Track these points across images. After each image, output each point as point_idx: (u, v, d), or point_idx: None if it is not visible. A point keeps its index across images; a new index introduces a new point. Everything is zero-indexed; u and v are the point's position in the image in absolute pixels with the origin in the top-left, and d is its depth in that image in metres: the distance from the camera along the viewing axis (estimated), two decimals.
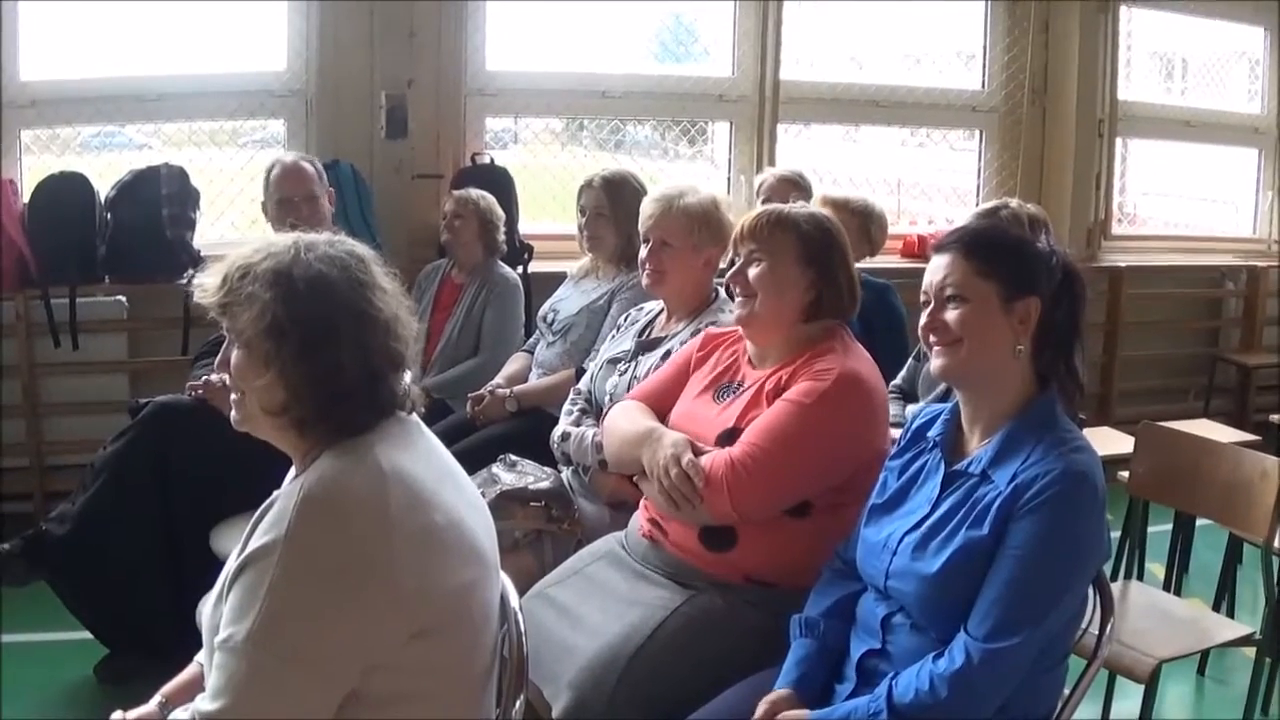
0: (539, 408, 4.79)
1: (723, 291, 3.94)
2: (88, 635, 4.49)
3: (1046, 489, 2.46)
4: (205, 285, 2.24)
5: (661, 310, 4.13)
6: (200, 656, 2.51)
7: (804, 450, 3.00)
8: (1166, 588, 4.82)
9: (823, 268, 3.21)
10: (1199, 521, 4.91)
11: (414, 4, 6.51)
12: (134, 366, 6.24)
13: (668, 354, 3.84)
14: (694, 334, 3.81)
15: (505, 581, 2.51)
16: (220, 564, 3.98)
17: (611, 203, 4.86)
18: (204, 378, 4.32)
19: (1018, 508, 2.48)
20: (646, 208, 4.05)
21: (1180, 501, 4.54)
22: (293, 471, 2.37)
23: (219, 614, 2.16)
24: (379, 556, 2.10)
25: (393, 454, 2.20)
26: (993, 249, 2.63)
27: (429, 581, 2.16)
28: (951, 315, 2.61)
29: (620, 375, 3.95)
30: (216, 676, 2.08)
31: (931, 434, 2.78)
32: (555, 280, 5.38)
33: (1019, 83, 8.14)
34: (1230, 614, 4.82)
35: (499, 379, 5.04)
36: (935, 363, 2.67)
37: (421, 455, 2.30)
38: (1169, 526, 5.00)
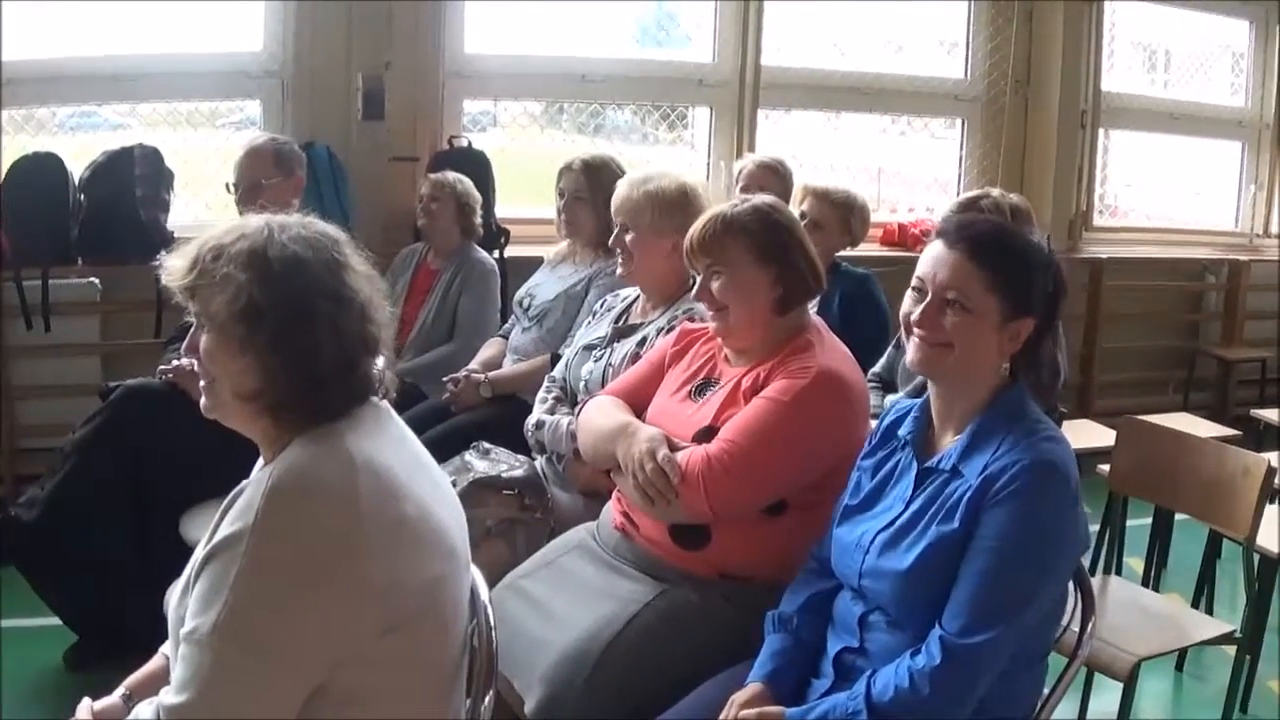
0: (514, 394, 4.75)
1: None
2: (57, 621, 4.44)
3: (1016, 479, 2.43)
4: (173, 267, 2.18)
5: (638, 297, 4.08)
6: (166, 648, 2.46)
7: (782, 448, 2.96)
8: (1145, 583, 4.79)
9: (781, 261, 3.16)
10: (1178, 516, 4.88)
11: None
12: (106, 349, 6.17)
13: (643, 341, 3.81)
14: (670, 320, 3.79)
15: (475, 575, 2.47)
16: (191, 551, 3.96)
17: (591, 187, 4.82)
18: (174, 362, 4.27)
19: (988, 499, 2.44)
20: (616, 191, 4.05)
21: (1161, 497, 4.51)
22: (261, 460, 2.32)
23: (185, 605, 2.11)
24: (348, 548, 2.05)
25: (364, 443, 2.15)
26: (1005, 263, 2.55)
27: (399, 575, 2.11)
28: (949, 321, 2.54)
29: (595, 362, 3.91)
30: (181, 669, 2.03)
31: (902, 432, 2.74)
32: (532, 265, 5.35)
33: (1002, 72, 8.10)
34: (1209, 610, 4.81)
35: (474, 364, 5.00)
36: (914, 355, 2.62)
37: (393, 444, 2.25)
38: (1148, 521, 4.96)
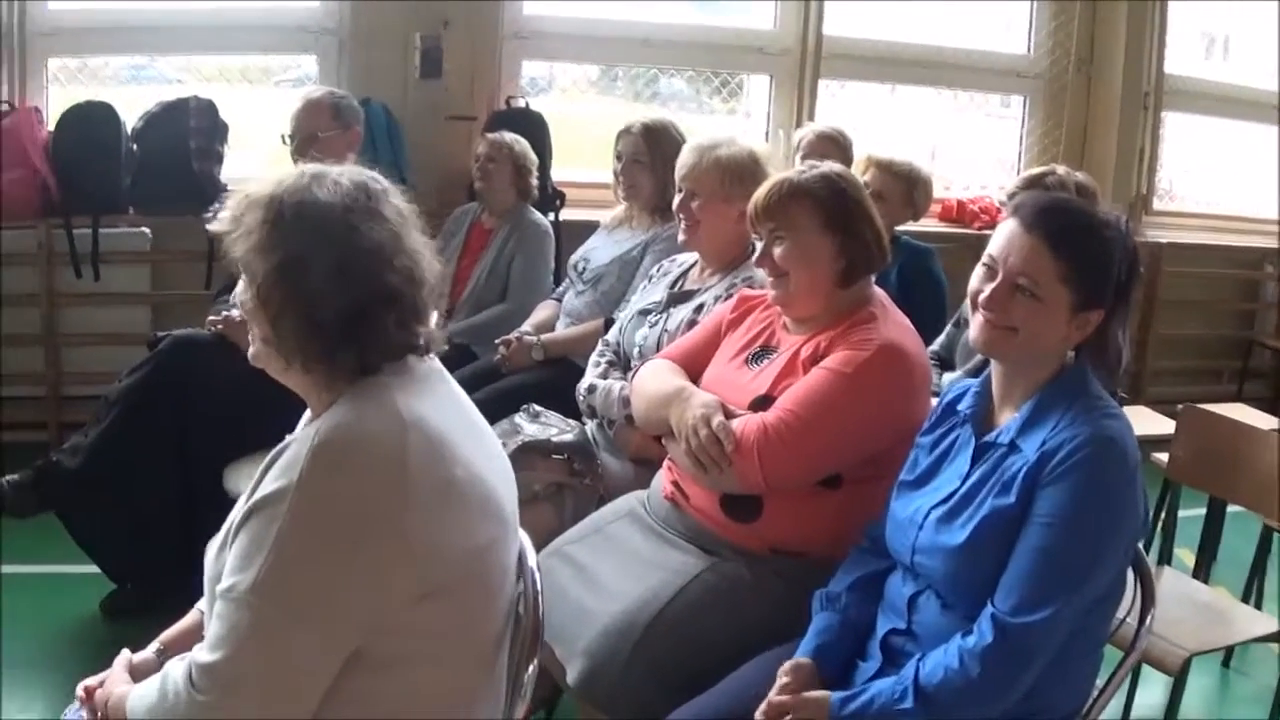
0: (565, 357, 4.74)
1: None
2: (96, 569, 4.44)
3: (1074, 454, 2.36)
4: (222, 216, 2.15)
5: (695, 262, 4.03)
6: (201, 603, 2.43)
7: (840, 421, 2.89)
8: (1196, 574, 4.70)
9: (847, 230, 3.08)
10: (1230, 508, 4.79)
11: None
12: (155, 299, 6.19)
13: (700, 307, 3.76)
14: (728, 288, 3.73)
15: (524, 540, 2.42)
16: (233, 503, 3.95)
17: (650, 150, 4.78)
18: (224, 313, 4.26)
19: (1045, 475, 2.38)
20: (682, 156, 3.97)
21: (1217, 488, 4.41)
22: (308, 415, 2.29)
23: (223, 560, 2.07)
24: (394, 510, 2.01)
25: (414, 402, 2.11)
26: (1082, 255, 2.46)
27: (445, 539, 2.07)
28: (1017, 306, 2.47)
29: (650, 327, 3.86)
30: (217, 626, 2.00)
31: (962, 408, 2.68)
32: (585, 229, 5.32)
33: (1065, 50, 8.00)
34: (1258, 605, 4.72)
35: (526, 326, 4.97)
36: (978, 334, 2.55)
37: (444, 404, 2.21)
38: (1200, 511, 4.88)
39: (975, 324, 2.56)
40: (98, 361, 5.86)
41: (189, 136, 5.90)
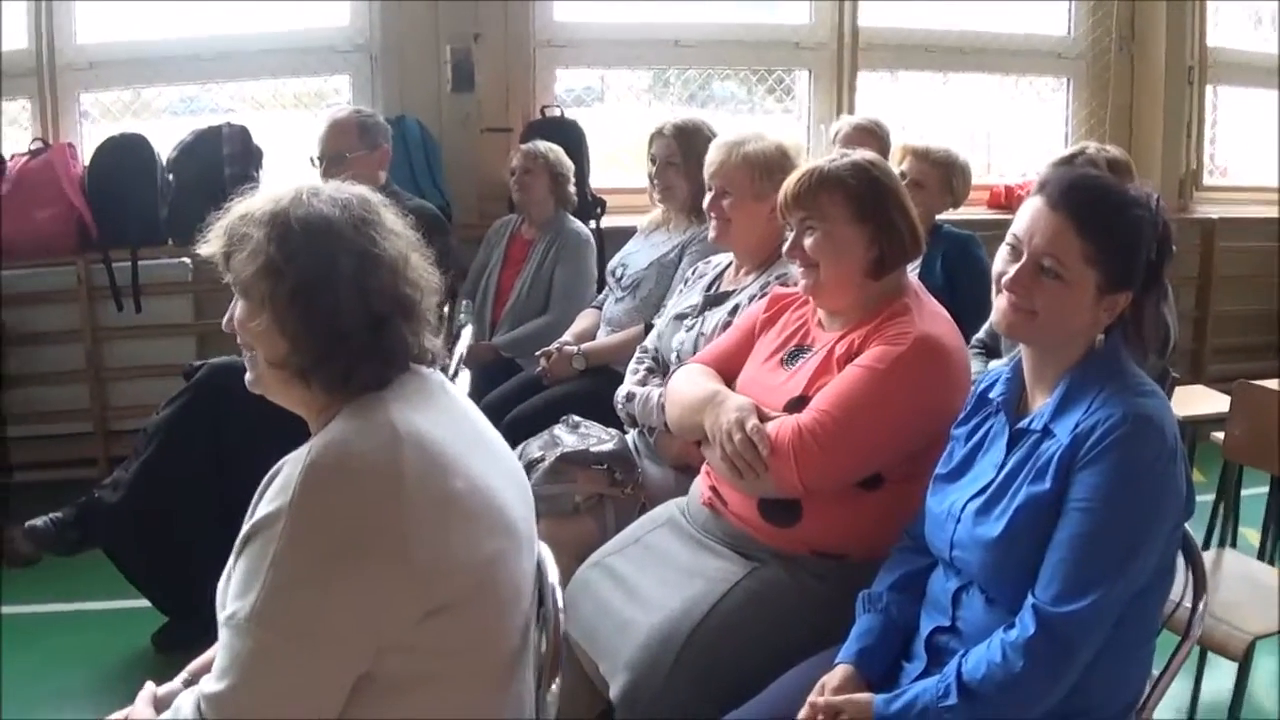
0: (607, 366, 4.70)
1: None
2: (147, 604, 4.44)
3: (1109, 434, 2.28)
4: (210, 234, 2.17)
5: (730, 263, 3.97)
6: None
7: (878, 419, 2.82)
8: (1260, 555, 4.60)
9: (879, 220, 3.01)
10: None
11: None
12: (200, 329, 6.19)
13: (735, 309, 3.70)
14: (762, 287, 3.67)
15: (543, 553, 2.37)
16: None
17: (683, 151, 4.74)
18: None
19: (1080, 458, 2.31)
20: (710, 154, 3.91)
21: (1276, 464, 4.33)
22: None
23: (228, 588, 2.05)
24: (390, 526, 1.97)
25: (410, 415, 2.08)
26: (1109, 234, 2.37)
27: (447, 553, 2.03)
28: (1041, 287, 2.39)
29: (687, 331, 3.81)
30: (222, 655, 1.98)
31: (994, 395, 2.60)
32: (628, 235, 5.26)
33: (1105, 29, 7.90)
34: None
35: (567, 336, 4.94)
36: (1000, 317, 2.49)
37: (444, 416, 2.17)
38: (1264, 490, 4.78)
39: (997, 306, 2.49)
40: (145, 394, 5.84)
41: (224, 164, 5.91)
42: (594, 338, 4.94)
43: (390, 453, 2.01)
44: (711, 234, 3.90)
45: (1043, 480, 2.34)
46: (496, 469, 2.21)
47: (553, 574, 2.38)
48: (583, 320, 5.10)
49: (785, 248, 3.17)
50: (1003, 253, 2.48)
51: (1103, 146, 4.28)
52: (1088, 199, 2.39)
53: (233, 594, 1.98)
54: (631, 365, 3.99)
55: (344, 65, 6.49)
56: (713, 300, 3.85)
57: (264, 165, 6.07)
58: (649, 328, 4.34)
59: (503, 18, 6.48)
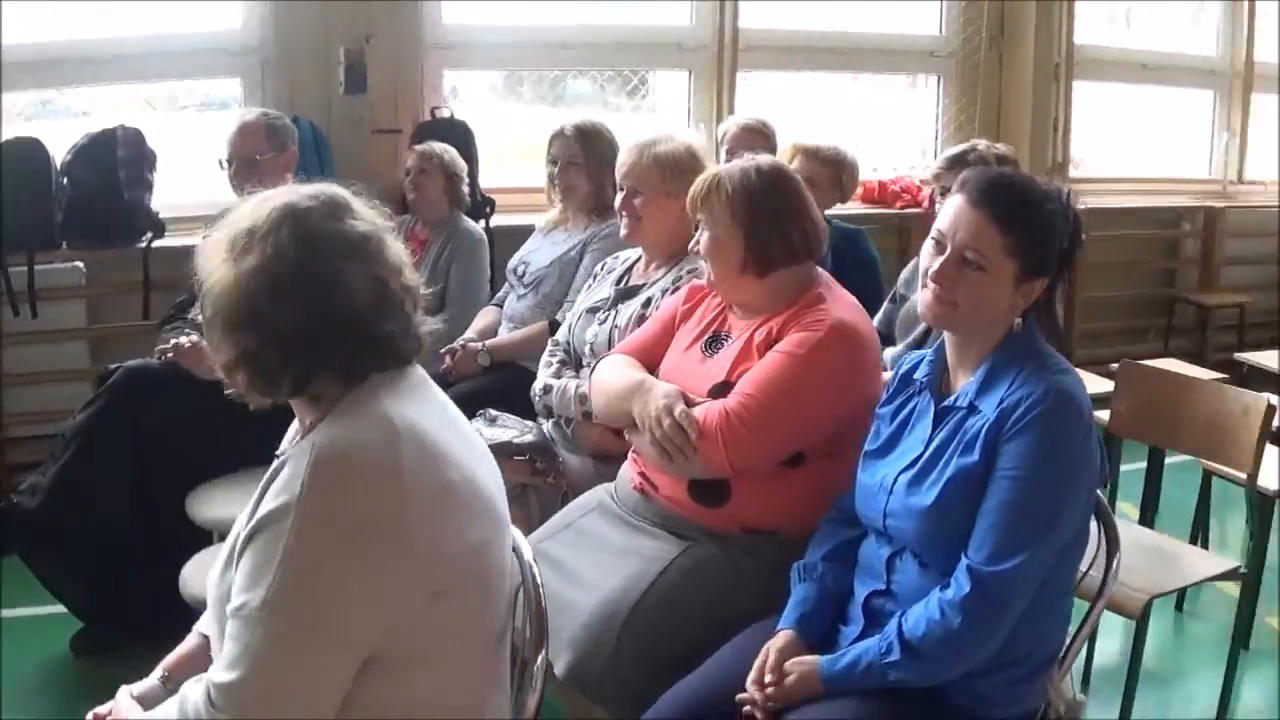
0: (512, 361, 4.77)
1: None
2: (61, 609, 4.43)
3: (1032, 409, 2.48)
4: (202, 260, 2.18)
5: (639, 258, 4.10)
6: (202, 626, 2.48)
7: (799, 401, 2.98)
8: (1140, 525, 4.84)
9: (756, 222, 3.16)
10: (1166, 460, 4.94)
11: None
12: (94, 333, 6.13)
13: (648, 301, 3.83)
14: (674, 281, 3.82)
15: (516, 535, 2.48)
16: (198, 530, 3.96)
17: (585, 152, 4.83)
18: (173, 341, 4.28)
19: (1005, 431, 2.50)
20: (622, 155, 4.04)
21: (1160, 438, 4.57)
22: (293, 429, 2.34)
23: (227, 581, 2.11)
24: (395, 515, 2.05)
25: (404, 409, 2.15)
26: (1027, 228, 2.58)
27: (446, 540, 2.12)
28: (965, 279, 2.57)
29: (600, 324, 3.93)
30: (231, 646, 2.02)
31: (918, 376, 2.78)
32: (512, 233, 5.37)
33: (976, 28, 8.15)
34: (1204, 548, 4.88)
35: (470, 333, 5.01)
36: (926, 308, 2.66)
37: (432, 410, 2.25)
38: (1140, 466, 5.01)
39: (923, 299, 2.66)
40: (40, 400, 5.82)
41: (118, 167, 5.84)
42: (495, 334, 5.00)
43: (390, 445, 2.08)
44: (623, 232, 4.01)
45: (971, 452, 2.53)
46: (476, 457, 2.29)
47: (528, 553, 2.50)
48: (484, 317, 5.16)
49: (691, 244, 3.33)
50: (928, 248, 2.66)
51: (992, 144, 4.49)
52: (1006, 196, 2.60)
53: (241, 586, 2.03)
54: (544, 359, 4.09)
55: (236, 68, 6.44)
56: (624, 294, 3.97)
57: (158, 168, 6.04)
58: (553, 324, 4.46)
59: (393, 20, 6.47)
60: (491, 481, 2.31)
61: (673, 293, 3.72)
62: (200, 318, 2.26)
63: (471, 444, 2.33)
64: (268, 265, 2.09)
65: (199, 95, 6.78)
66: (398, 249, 2.25)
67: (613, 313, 3.93)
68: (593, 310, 4.02)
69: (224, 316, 2.13)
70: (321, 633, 2.01)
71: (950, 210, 2.62)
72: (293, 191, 2.20)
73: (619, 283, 4.05)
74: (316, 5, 6.34)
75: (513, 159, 7.19)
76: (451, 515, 2.14)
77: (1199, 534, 4.99)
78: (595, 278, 4.24)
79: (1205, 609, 4.96)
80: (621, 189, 3.99)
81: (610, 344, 3.80)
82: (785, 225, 3.19)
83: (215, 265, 2.14)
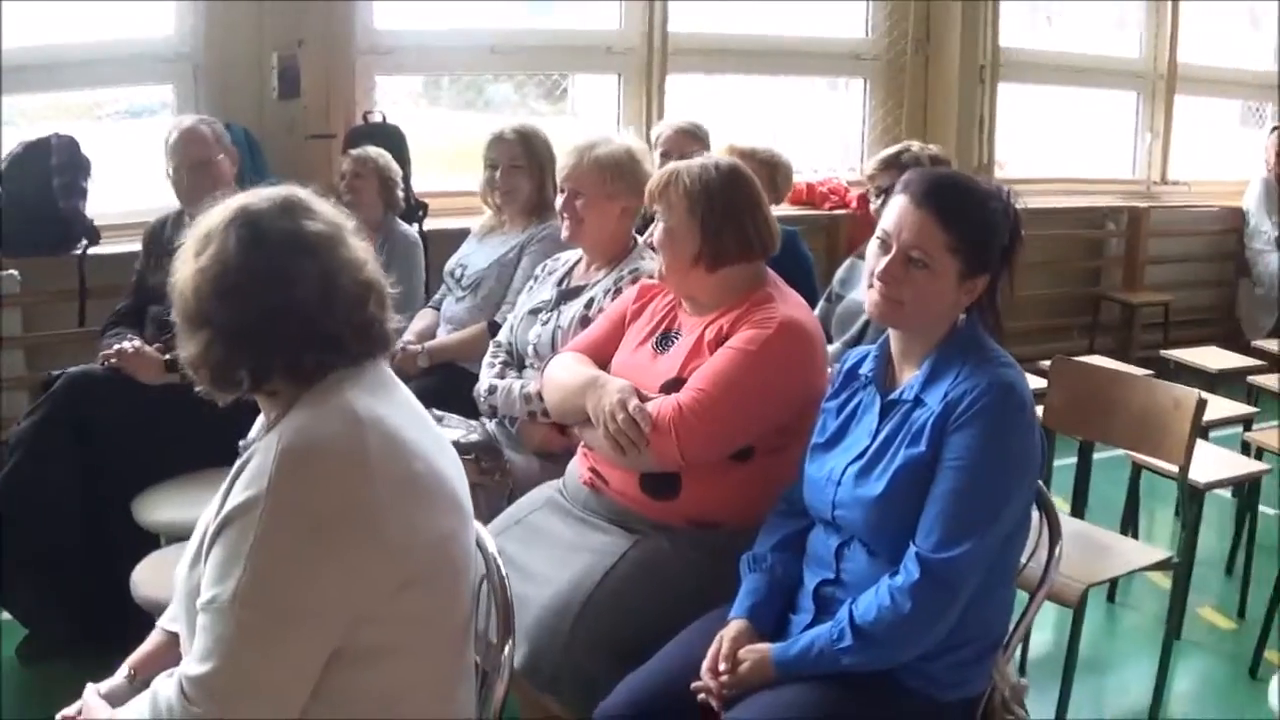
0: (451, 363, 4.78)
1: (640, 239, 4.01)
2: (5, 615, 4.43)
3: (977, 401, 2.56)
4: (177, 266, 2.21)
5: (580, 259, 4.15)
6: (165, 623, 2.49)
7: (750, 396, 3.05)
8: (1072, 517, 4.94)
9: (706, 218, 3.22)
10: (1096, 455, 5.04)
11: None
12: (30, 341, 6.03)
13: (590, 302, 3.88)
14: (615, 281, 3.88)
15: (479, 528, 2.52)
16: (145, 534, 3.95)
17: (526, 154, 4.86)
18: (115, 346, 4.28)
19: (951, 423, 2.57)
20: (563, 158, 4.09)
21: (1092, 432, 4.67)
22: (260, 423, 2.36)
23: (195, 576, 2.13)
24: (362, 505, 2.08)
25: (368, 401, 2.18)
26: (969, 226, 2.65)
27: (413, 530, 2.15)
28: (910, 277, 2.64)
29: (543, 325, 3.97)
30: (202, 639, 2.04)
31: (864, 371, 2.85)
32: (443, 237, 5.42)
33: (902, 31, 8.26)
34: (1135, 539, 4.96)
35: (408, 335, 5.02)
36: (873, 307, 2.73)
37: (396, 402, 2.29)
38: (1070, 461, 5.11)
39: (870, 298, 2.73)
40: None
41: (52, 175, 5.80)
42: (434, 336, 5.01)
43: (356, 436, 2.11)
44: (565, 234, 4.05)
45: (918, 444, 2.60)
46: (440, 450, 2.33)
47: (491, 545, 2.55)
48: (421, 320, 5.17)
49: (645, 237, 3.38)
50: (873, 248, 2.73)
51: (925, 145, 4.57)
52: (949, 196, 2.68)
53: (211, 579, 2.05)
54: (487, 360, 4.12)
55: (168, 74, 6.39)
56: (566, 294, 4.01)
57: (92, 175, 6.01)
58: (492, 325, 4.49)
59: (325, 24, 6.44)
60: (455, 475, 2.35)
61: (615, 294, 3.78)
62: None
63: (436, 439, 2.37)
64: (214, 264, 2.13)
65: (121, 103, 6.71)
66: (358, 247, 2.29)
67: (555, 314, 3.97)
68: (535, 311, 4.06)
69: (182, 315, 2.19)
70: (293, 623, 2.04)
71: (894, 210, 2.69)
72: (253, 193, 2.24)
73: (560, 284, 4.09)
74: (249, 10, 6.30)
75: (438, 163, 7.19)
76: (418, 506, 2.18)
77: (1129, 526, 5.09)
78: (536, 279, 4.28)
79: (1136, 599, 5.08)
80: (562, 191, 4.02)
81: (553, 345, 3.85)
82: (740, 221, 3.26)
83: (180, 266, 2.18)
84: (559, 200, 4.06)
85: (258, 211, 2.18)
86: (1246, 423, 5.64)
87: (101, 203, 6.04)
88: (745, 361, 3.05)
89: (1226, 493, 5.50)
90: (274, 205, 2.21)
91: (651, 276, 3.55)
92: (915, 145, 4.58)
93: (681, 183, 3.25)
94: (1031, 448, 2.63)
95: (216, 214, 2.20)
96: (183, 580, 2.23)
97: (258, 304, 2.13)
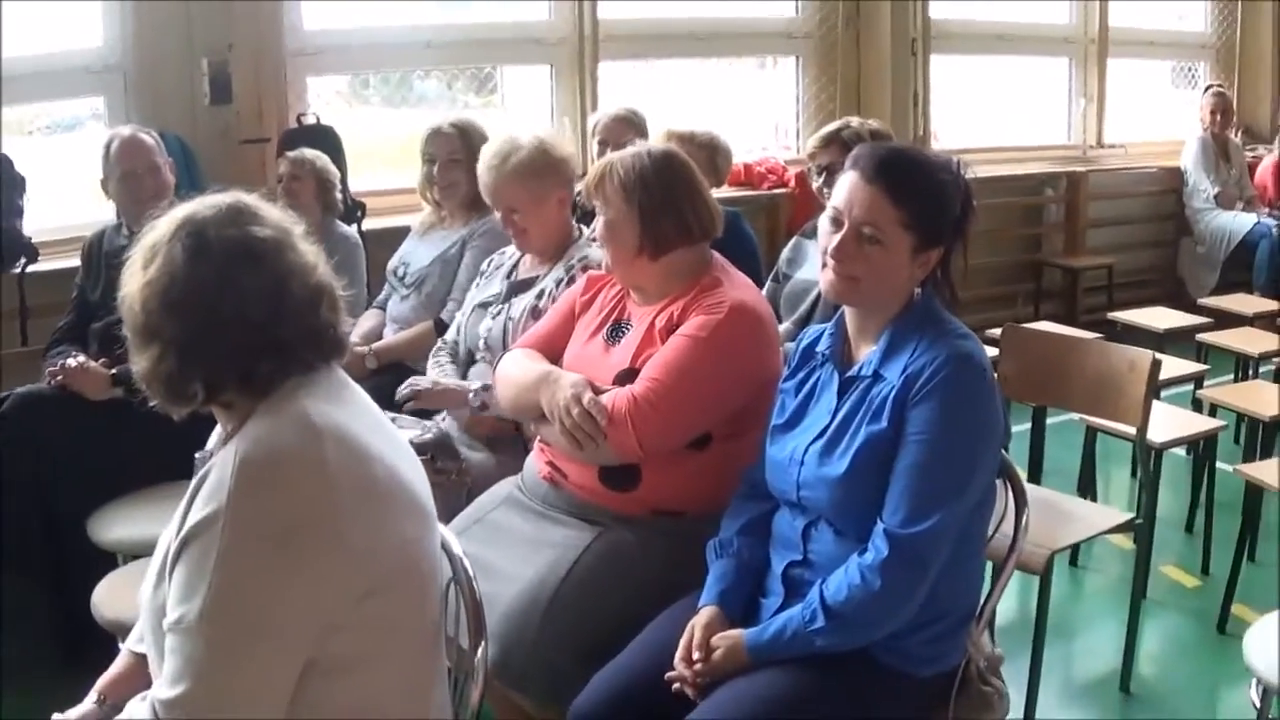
0: (399, 362, 4.74)
1: (586, 231, 3.98)
2: None
3: (937, 373, 2.55)
4: (126, 277, 2.17)
5: (522, 255, 4.13)
6: (132, 644, 2.45)
7: (705, 382, 3.03)
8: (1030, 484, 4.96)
9: (643, 207, 3.20)
10: (1049, 420, 5.06)
11: None
12: None
13: (541, 293, 3.87)
14: (567, 269, 3.87)
15: (443, 531, 2.49)
16: (102, 553, 3.91)
17: (465, 147, 4.82)
18: (60, 363, 4.23)
19: (912, 396, 2.56)
20: (481, 180, 4.06)
21: (1046, 399, 4.68)
22: (216, 435, 2.33)
23: (161, 595, 2.09)
24: (324, 513, 2.04)
25: (325, 408, 2.14)
26: (920, 200, 2.64)
27: (376, 536, 2.12)
28: (864, 253, 2.62)
29: (494, 319, 3.95)
30: (172, 661, 2.00)
31: (820, 349, 2.83)
32: (381, 236, 5.43)
33: (832, 6, 8.27)
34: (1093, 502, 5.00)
35: (354, 337, 4.97)
36: (830, 286, 2.70)
37: (352, 407, 2.25)
38: (1024, 427, 5.12)
39: (825, 276, 2.70)
40: None
41: None
42: (379, 337, 4.98)
43: (313, 445, 2.08)
44: (515, 246, 4.07)
45: (879, 420, 2.59)
46: (400, 455, 2.30)
47: (457, 547, 2.52)
48: (366, 321, 5.12)
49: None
50: (825, 226, 2.71)
51: (865, 120, 4.56)
52: (899, 170, 2.66)
53: (176, 599, 2.01)
54: (432, 358, 4.12)
55: (98, 85, 6.31)
56: (516, 287, 4.00)
57: (27, 192, 5.93)
58: (438, 323, 4.46)
59: (254, 27, 6.39)
60: (416, 478, 2.32)
61: (568, 283, 3.77)
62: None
63: (395, 442, 2.33)
64: (162, 276, 2.09)
65: (46, 118, 6.64)
66: (307, 251, 2.24)
67: (506, 306, 3.95)
68: (485, 305, 4.04)
69: (132, 329, 2.15)
70: (262, 637, 2.00)
71: (845, 187, 2.67)
72: (199, 202, 2.19)
73: (509, 276, 4.07)
74: (176, 17, 6.23)
75: (372, 162, 7.14)
76: (380, 512, 2.15)
77: (1087, 490, 5.11)
78: (483, 275, 4.25)
79: (1098, 562, 5.11)
80: (496, 209, 4.03)
81: (505, 337, 3.83)
82: (679, 206, 3.23)
83: (128, 280, 2.14)
84: (497, 217, 4.06)
85: (204, 220, 2.13)
86: (1197, 380, 5.67)
87: (36, 219, 5.95)
88: (698, 348, 3.03)
89: (1181, 451, 5.53)
90: (220, 213, 2.15)
91: (598, 266, 3.53)
92: (855, 121, 4.58)
93: (616, 174, 3.23)
94: (993, 417, 2.63)
95: (162, 225, 2.15)
96: (147, 601, 2.19)
97: (207, 314, 2.09)
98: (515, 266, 4.11)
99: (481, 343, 3.95)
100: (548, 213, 3.96)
